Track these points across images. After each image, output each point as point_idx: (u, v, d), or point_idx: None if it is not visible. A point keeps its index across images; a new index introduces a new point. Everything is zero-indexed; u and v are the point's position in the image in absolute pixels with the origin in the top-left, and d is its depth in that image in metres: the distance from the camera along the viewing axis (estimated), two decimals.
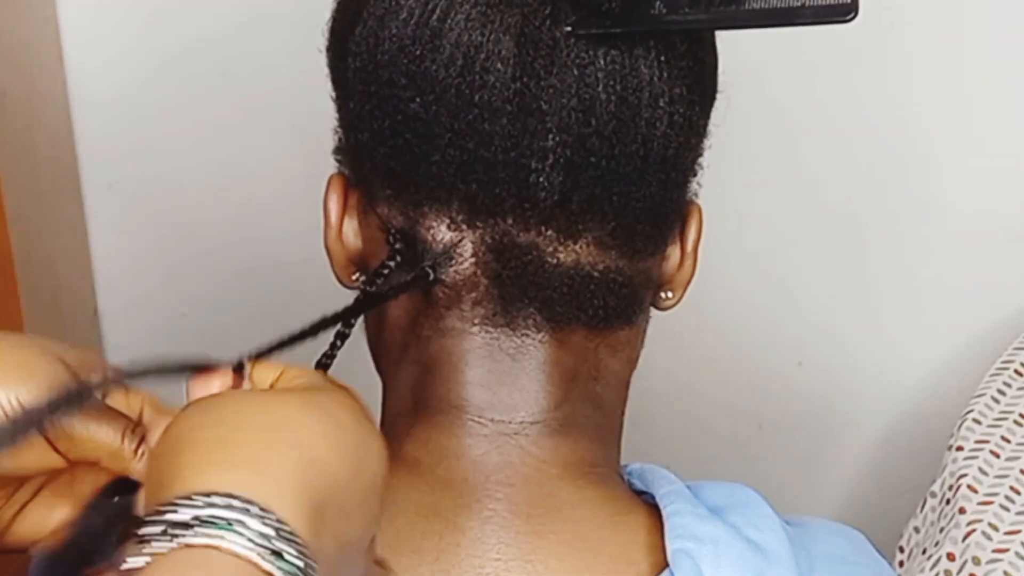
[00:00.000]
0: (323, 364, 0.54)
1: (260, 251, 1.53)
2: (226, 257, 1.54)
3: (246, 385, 0.47)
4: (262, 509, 0.37)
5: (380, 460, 0.44)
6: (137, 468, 0.47)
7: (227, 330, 1.55)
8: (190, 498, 0.37)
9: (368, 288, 0.55)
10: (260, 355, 0.48)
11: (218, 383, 0.46)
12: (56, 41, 1.41)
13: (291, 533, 0.37)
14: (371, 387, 0.60)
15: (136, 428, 0.47)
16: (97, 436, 0.46)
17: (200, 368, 0.46)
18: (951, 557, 1.17)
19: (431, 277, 0.54)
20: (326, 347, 0.54)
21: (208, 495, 0.37)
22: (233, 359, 0.47)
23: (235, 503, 0.37)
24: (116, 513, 0.47)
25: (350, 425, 0.43)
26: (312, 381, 0.46)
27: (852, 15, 0.46)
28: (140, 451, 0.47)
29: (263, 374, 0.47)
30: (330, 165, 0.60)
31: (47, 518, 0.48)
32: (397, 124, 0.53)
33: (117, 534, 0.46)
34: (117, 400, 0.49)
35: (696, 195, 0.59)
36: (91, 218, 1.51)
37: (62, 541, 0.47)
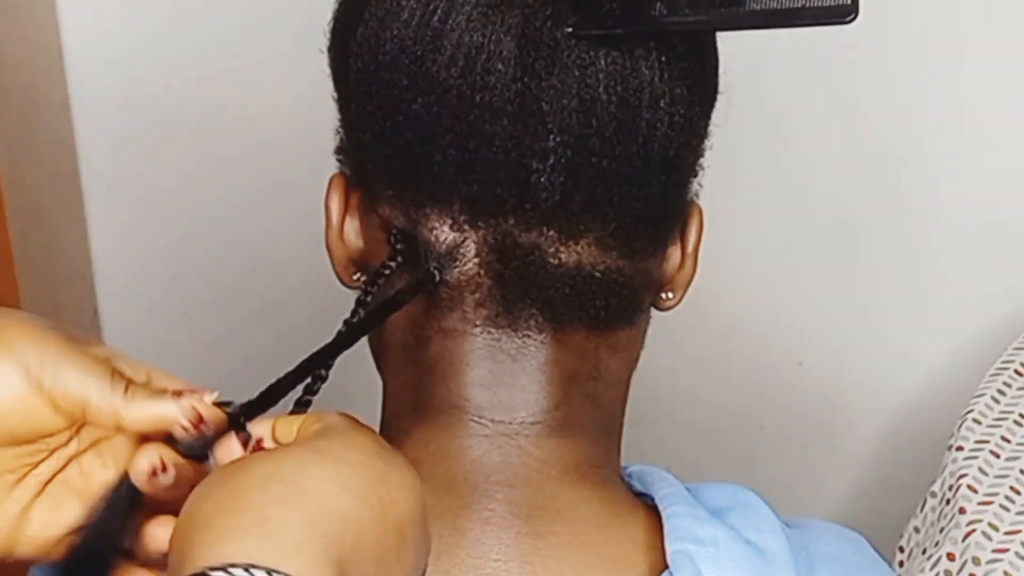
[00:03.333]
0: (324, 366, 0.53)
1: (260, 251, 1.53)
2: (226, 257, 1.54)
3: (268, 443, 0.47)
4: (274, 572, 0.37)
5: (409, 492, 0.44)
6: (129, 410, 0.46)
7: (227, 330, 1.55)
8: (205, 574, 0.37)
9: (369, 289, 0.54)
10: (269, 394, 0.49)
11: (239, 448, 0.46)
12: (56, 41, 1.41)
13: None
14: (372, 387, 0.60)
15: (115, 374, 0.46)
16: (83, 386, 0.45)
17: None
18: (951, 557, 1.17)
19: (436, 280, 0.54)
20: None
21: (224, 568, 0.37)
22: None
23: (254, 572, 0.37)
24: (128, 503, 0.46)
25: (363, 464, 0.43)
26: (328, 425, 0.45)
27: (852, 16, 0.46)
28: (130, 391, 0.46)
29: (284, 428, 0.47)
30: (331, 165, 0.60)
31: (56, 517, 0.48)
32: (398, 125, 0.53)
33: (129, 525, 0.45)
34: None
35: (697, 195, 0.59)
36: (91, 218, 1.51)
37: (76, 540, 0.46)
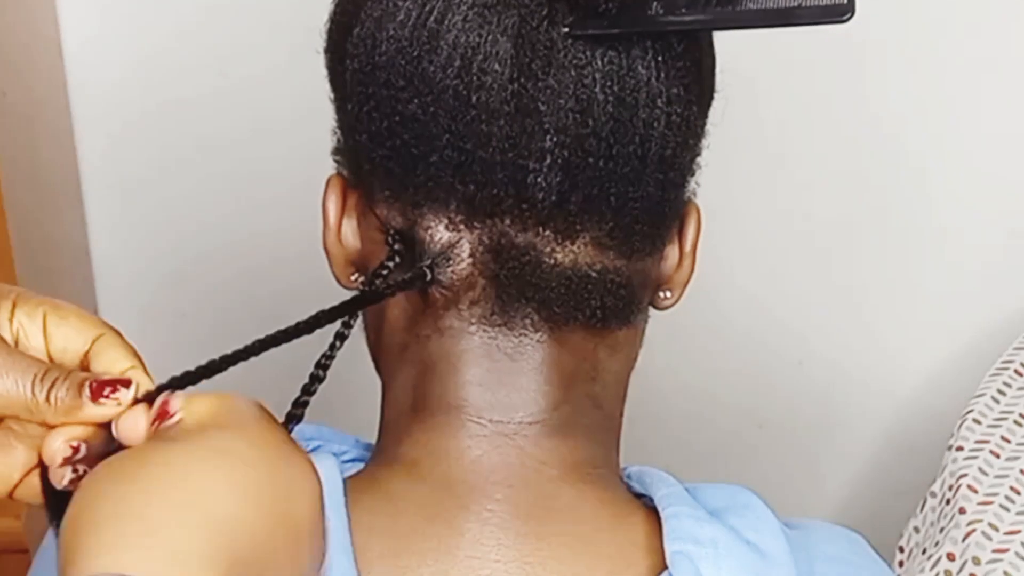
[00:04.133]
0: (323, 365, 0.53)
1: (260, 251, 1.53)
2: (226, 257, 1.54)
3: (175, 404, 0.46)
4: None
5: (307, 490, 0.44)
6: (54, 417, 0.46)
7: (227, 330, 1.55)
8: None
9: (367, 290, 0.54)
10: (251, 351, 0.49)
11: (143, 419, 0.46)
12: (56, 41, 1.41)
13: None
14: (371, 387, 0.60)
15: (47, 373, 0.46)
16: (5, 397, 0.45)
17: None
18: (951, 557, 1.17)
19: (428, 277, 0.54)
20: (325, 348, 0.54)
21: None
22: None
23: None
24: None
25: (258, 460, 0.43)
26: (228, 411, 0.45)
27: (849, 15, 0.46)
28: (52, 399, 0.46)
29: (194, 406, 0.46)
30: (330, 165, 0.60)
31: (7, 463, 0.48)
32: (395, 125, 0.53)
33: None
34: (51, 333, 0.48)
35: (694, 194, 0.59)
36: (91, 218, 1.51)
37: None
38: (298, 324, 0.51)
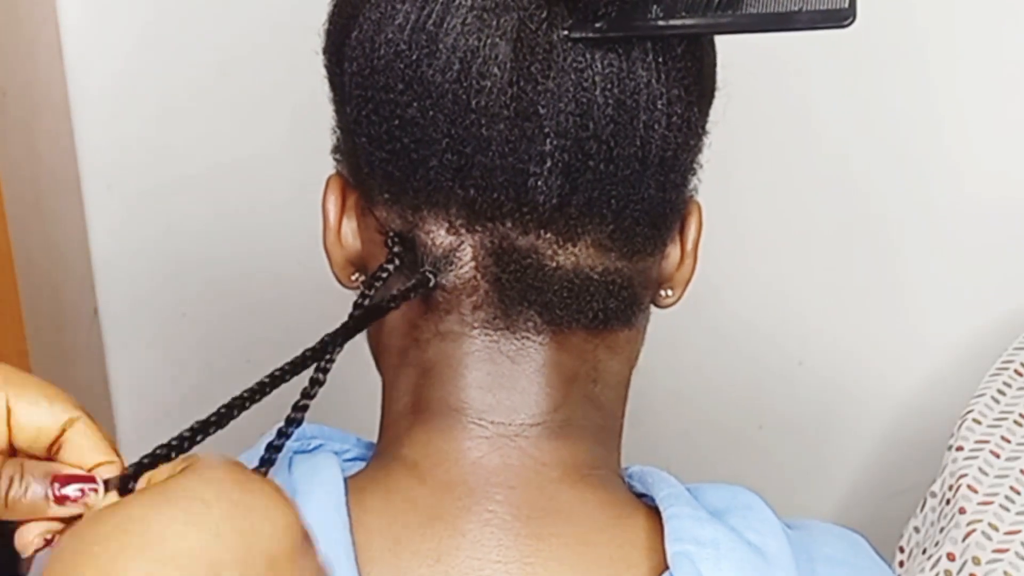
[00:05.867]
0: (323, 369, 0.53)
1: (260, 251, 1.53)
2: (226, 257, 1.54)
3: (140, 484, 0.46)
4: None
5: (277, 521, 0.44)
6: (12, 517, 0.45)
7: (227, 330, 1.55)
8: None
9: (367, 292, 0.54)
10: (277, 376, 0.49)
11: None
12: (56, 41, 1.41)
13: None
14: (371, 388, 0.60)
15: (3, 470, 0.45)
16: None
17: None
18: (951, 557, 1.17)
19: (432, 283, 0.54)
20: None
21: None
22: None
23: None
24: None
25: (216, 497, 0.43)
26: (188, 465, 0.45)
27: (850, 20, 0.46)
28: (12, 500, 0.45)
29: (158, 477, 0.46)
30: (330, 165, 0.60)
31: None
32: (394, 129, 0.53)
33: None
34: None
35: (695, 191, 0.59)
36: (91, 218, 1.51)
37: None
38: (304, 353, 0.51)
